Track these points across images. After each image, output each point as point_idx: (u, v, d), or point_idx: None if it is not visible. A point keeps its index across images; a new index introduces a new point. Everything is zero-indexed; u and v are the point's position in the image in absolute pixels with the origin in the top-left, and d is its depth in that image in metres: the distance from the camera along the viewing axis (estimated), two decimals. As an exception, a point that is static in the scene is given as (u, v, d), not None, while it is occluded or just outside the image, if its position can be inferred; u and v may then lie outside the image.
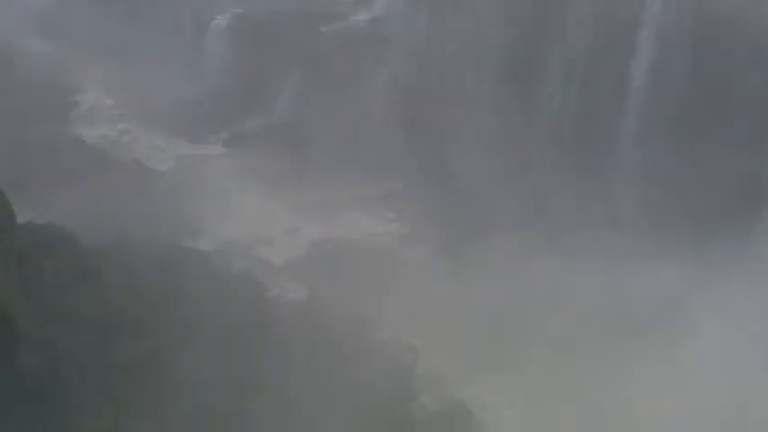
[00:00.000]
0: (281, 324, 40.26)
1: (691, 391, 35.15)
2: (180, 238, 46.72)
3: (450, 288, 43.17)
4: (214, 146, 58.83)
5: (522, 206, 47.40)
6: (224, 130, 59.82)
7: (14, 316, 32.36)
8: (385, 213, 52.70)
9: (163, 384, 35.07)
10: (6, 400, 30.22)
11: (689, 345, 37.74)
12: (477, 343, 40.20)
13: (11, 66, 60.78)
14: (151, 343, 36.81)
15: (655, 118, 47.52)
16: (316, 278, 45.38)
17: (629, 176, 47.98)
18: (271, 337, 38.96)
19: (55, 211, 41.05)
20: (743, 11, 45.38)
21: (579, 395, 36.48)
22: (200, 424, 33.90)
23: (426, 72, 55.13)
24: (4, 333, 31.53)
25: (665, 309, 40.58)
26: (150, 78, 61.66)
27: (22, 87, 59.18)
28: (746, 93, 44.75)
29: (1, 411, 29.84)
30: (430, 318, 41.60)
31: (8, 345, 31.53)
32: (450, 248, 47.42)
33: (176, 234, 46.68)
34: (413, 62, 55.59)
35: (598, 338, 38.80)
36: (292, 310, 42.14)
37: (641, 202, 47.03)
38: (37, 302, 34.72)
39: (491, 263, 44.07)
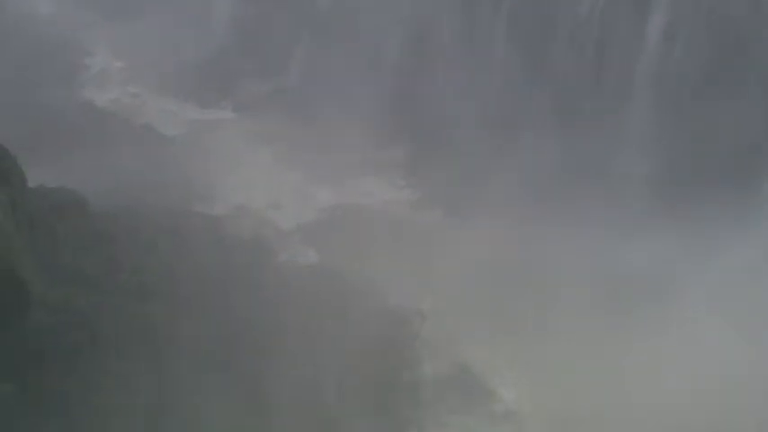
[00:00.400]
0: (290, 289, 40.40)
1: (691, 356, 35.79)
2: (190, 202, 46.87)
3: (459, 254, 43.20)
4: (224, 110, 58.72)
5: (530, 172, 47.26)
6: (234, 93, 59.64)
7: (26, 279, 32.61)
8: (396, 179, 52.61)
9: (174, 345, 35.31)
10: (18, 362, 30.50)
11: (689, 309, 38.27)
12: (486, 308, 40.33)
13: (20, 29, 60.66)
14: (162, 306, 37.03)
15: (669, 80, 47.15)
16: (326, 243, 45.51)
17: (640, 143, 47.77)
18: (280, 302, 39.11)
19: (66, 174, 41.17)
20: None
21: (584, 359, 36.85)
22: (212, 382, 34.16)
23: (435, 36, 54.74)
24: (15, 295, 31.79)
25: (663, 274, 40.74)
26: (160, 41, 61.47)
27: (31, 51, 59.17)
28: (765, 51, 44.19)
29: (12, 373, 30.12)
30: (439, 283, 41.72)
31: (20, 307, 31.81)
32: (460, 214, 47.37)
33: (187, 199, 46.82)
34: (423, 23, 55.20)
35: (604, 306, 39.06)
36: (302, 275, 42.28)
37: (651, 166, 46.91)
38: (48, 265, 34.95)
39: (501, 229, 44.05)
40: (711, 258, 39.57)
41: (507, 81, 51.27)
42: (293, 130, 53.71)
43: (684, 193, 43.76)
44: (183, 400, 33.04)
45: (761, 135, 44.11)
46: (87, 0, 64.20)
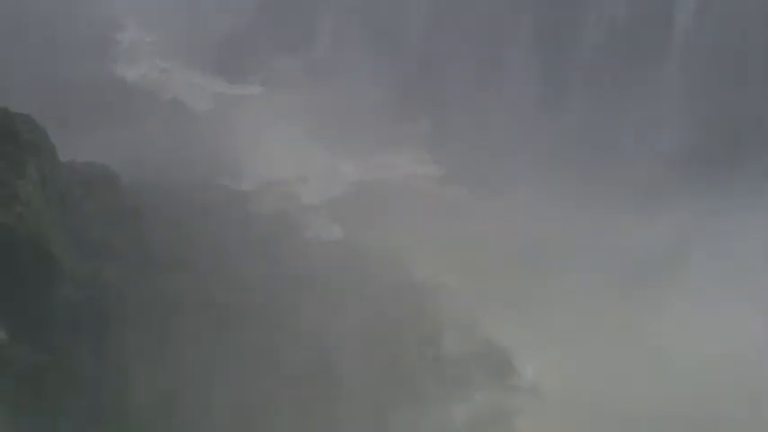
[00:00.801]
0: (316, 263, 40.76)
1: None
2: (217, 177, 47.22)
3: (483, 230, 43.31)
4: (252, 85, 58.91)
5: (555, 148, 47.21)
6: (262, 68, 59.73)
7: (56, 253, 33.24)
8: (421, 153, 52.59)
9: (203, 318, 35.85)
10: (49, 334, 31.19)
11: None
12: (509, 282, 40.52)
13: (50, 4, 61.04)
14: (190, 279, 37.57)
15: (697, 60, 46.83)
16: (351, 218, 45.71)
17: (666, 121, 47.57)
18: (306, 276, 39.51)
19: (95, 149, 41.65)
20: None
21: (602, 334, 37.25)
22: (235, 352, 34.70)
23: (460, 10, 54.47)
24: (46, 269, 32.44)
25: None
26: (189, 15, 61.63)
27: (61, 25, 59.52)
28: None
29: (44, 345, 30.82)
30: (463, 259, 41.89)
31: (51, 281, 32.46)
32: (485, 190, 47.39)
33: (214, 173, 47.17)
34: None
35: (622, 282, 39.39)
36: (327, 250, 42.59)
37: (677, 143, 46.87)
38: (78, 240, 35.55)
39: (526, 206, 44.11)
40: (727, 236, 39.82)
41: (532, 55, 51.04)
42: (320, 104, 53.80)
43: (704, 172, 43.87)
44: (207, 369, 33.65)
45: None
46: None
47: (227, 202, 44.56)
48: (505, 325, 38.71)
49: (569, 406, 34.93)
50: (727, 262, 39.09)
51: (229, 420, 32.50)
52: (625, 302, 38.46)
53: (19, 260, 31.55)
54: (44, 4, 61.12)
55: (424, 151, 52.42)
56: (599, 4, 50.41)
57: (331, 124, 52.54)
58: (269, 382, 34.22)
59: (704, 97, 46.55)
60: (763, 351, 35.59)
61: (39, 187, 35.27)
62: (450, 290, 41.54)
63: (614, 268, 39.96)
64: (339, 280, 39.33)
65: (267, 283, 38.61)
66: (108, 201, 39.38)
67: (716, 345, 35.72)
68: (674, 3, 48.13)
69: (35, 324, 30.91)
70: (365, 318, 38.00)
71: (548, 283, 40.26)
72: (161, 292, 36.37)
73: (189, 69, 59.96)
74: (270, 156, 49.66)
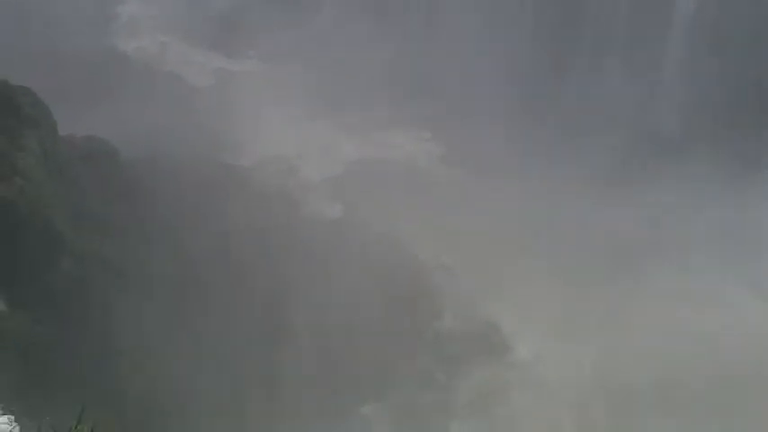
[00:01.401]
0: (315, 240, 40.78)
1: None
2: (217, 153, 47.10)
3: (483, 209, 43.33)
4: (252, 61, 58.61)
5: (557, 129, 47.25)
6: (261, 43, 59.37)
7: (57, 226, 33.23)
8: (423, 133, 52.49)
9: (202, 294, 35.93)
10: (49, 308, 31.23)
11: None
12: (508, 262, 40.68)
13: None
14: (189, 255, 37.60)
15: (699, 44, 46.90)
16: (351, 196, 45.68)
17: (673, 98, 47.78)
18: (305, 253, 39.54)
19: (95, 123, 41.51)
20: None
21: (595, 310, 37.80)
22: (236, 330, 34.81)
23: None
24: (46, 242, 32.45)
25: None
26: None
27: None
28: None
29: (46, 317, 30.88)
30: (462, 238, 41.95)
31: (51, 254, 32.48)
32: (485, 170, 47.37)
33: (213, 149, 47.05)
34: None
35: (615, 260, 39.80)
36: (327, 228, 42.62)
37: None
38: (79, 214, 35.50)
39: (525, 186, 44.14)
40: (722, 216, 40.31)
41: (534, 34, 50.91)
42: (320, 81, 53.58)
43: (702, 150, 44.17)
44: (205, 343, 33.78)
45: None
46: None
47: (226, 177, 44.49)
48: (503, 304, 38.91)
49: (563, 381, 35.37)
50: (715, 242, 39.75)
51: (228, 393, 32.64)
52: (619, 281, 38.96)
53: (19, 233, 31.54)
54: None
55: (426, 130, 52.31)
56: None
57: (331, 101, 52.38)
58: (266, 358, 34.36)
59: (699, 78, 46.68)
60: (747, 327, 36.13)
61: (39, 161, 35.19)
62: (449, 269, 41.63)
63: (609, 248, 40.35)
64: (338, 258, 39.37)
65: (265, 259, 38.64)
66: (107, 175, 39.31)
67: (701, 321, 36.36)
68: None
69: (35, 297, 30.96)
70: (364, 296, 38.07)
71: (545, 262, 40.45)
72: (160, 266, 36.39)
73: (189, 44, 59.67)
74: (269, 132, 49.55)
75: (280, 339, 35.29)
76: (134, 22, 62.18)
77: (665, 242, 41.43)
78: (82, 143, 39.77)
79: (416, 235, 42.36)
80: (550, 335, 37.43)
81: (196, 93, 54.22)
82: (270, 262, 38.36)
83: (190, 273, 36.79)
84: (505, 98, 48.84)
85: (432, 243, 42.52)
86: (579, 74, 49.56)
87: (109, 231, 36.27)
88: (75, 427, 5.46)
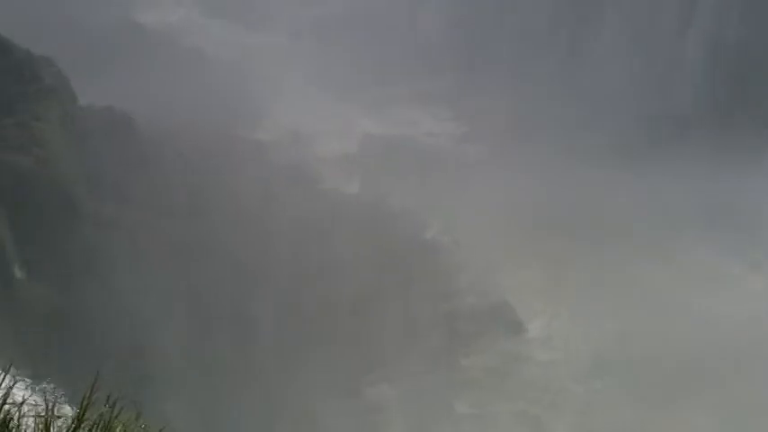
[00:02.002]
0: (332, 216, 40.78)
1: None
2: (236, 126, 47.09)
3: (500, 189, 43.19)
4: (272, 35, 58.37)
5: (580, 108, 47.00)
6: (283, 18, 59.11)
7: (76, 195, 33.40)
8: (443, 111, 52.23)
9: (215, 264, 36.04)
10: (68, 275, 31.45)
11: None
12: (524, 241, 40.66)
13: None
14: (205, 226, 37.69)
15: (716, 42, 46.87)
16: (369, 173, 45.63)
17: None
18: (322, 228, 39.57)
19: (115, 95, 41.54)
20: None
21: (608, 290, 37.81)
22: (250, 299, 34.96)
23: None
24: (65, 211, 32.64)
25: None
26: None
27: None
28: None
29: (61, 288, 31.11)
30: (478, 217, 41.85)
31: (69, 222, 32.67)
32: (505, 149, 47.16)
33: (233, 123, 47.03)
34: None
35: (640, 235, 39.89)
36: (344, 202, 42.60)
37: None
38: (97, 183, 35.66)
39: (545, 167, 43.99)
40: (724, 195, 40.46)
41: (560, 16, 50.56)
42: (342, 57, 53.39)
43: (708, 133, 44.11)
44: (220, 314, 33.98)
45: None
46: None
47: (244, 150, 44.48)
48: (518, 282, 38.87)
49: (573, 355, 35.56)
50: (727, 220, 39.88)
51: (243, 366, 32.84)
52: (633, 259, 39.05)
53: (38, 201, 31.73)
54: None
55: (446, 108, 52.06)
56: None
57: (352, 77, 52.20)
58: (279, 335, 34.49)
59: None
60: (755, 307, 36.32)
61: (58, 130, 35.34)
62: (465, 247, 41.57)
63: (628, 227, 40.49)
64: (355, 232, 39.36)
65: (282, 233, 38.68)
66: (127, 145, 39.37)
67: (713, 300, 36.65)
68: None
69: (54, 265, 31.17)
70: (377, 272, 38.09)
71: (561, 240, 40.40)
72: (175, 236, 36.51)
73: (209, 17, 59.54)
74: (288, 106, 49.46)
75: (291, 314, 35.36)
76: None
77: (681, 219, 41.43)
78: (101, 114, 39.84)
79: (433, 212, 42.29)
80: (564, 314, 37.44)
81: (216, 66, 54.09)
82: (284, 234, 38.40)
83: (206, 241, 36.90)
84: (527, 77, 48.58)
85: (448, 221, 42.43)
86: (597, 53, 49.16)
87: (126, 201, 36.40)
88: (90, 395, 5.45)
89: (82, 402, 5.43)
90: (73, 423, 5.34)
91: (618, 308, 36.97)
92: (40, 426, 5.32)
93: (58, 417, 5.41)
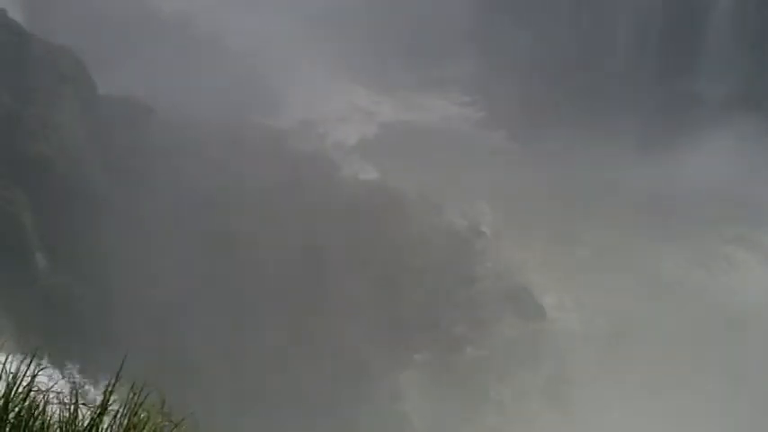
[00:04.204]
0: (351, 203, 40.78)
1: None
2: (254, 115, 47.11)
3: (521, 174, 43.07)
4: (288, 22, 58.18)
5: (600, 96, 46.72)
6: (297, 5, 58.91)
7: (96, 184, 33.54)
8: (462, 96, 52.01)
9: (233, 255, 36.12)
10: (90, 265, 31.62)
11: None
12: (543, 227, 40.58)
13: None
14: (224, 215, 37.78)
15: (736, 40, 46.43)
16: (388, 159, 45.56)
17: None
18: (341, 216, 39.56)
19: (133, 84, 41.63)
20: None
21: (629, 278, 37.66)
22: (270, 287, 35.05)
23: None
24: (86, 199, 32.77)
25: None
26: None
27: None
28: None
29: (82, 278, 31.28)
30: (498, 204, 41.76)
31: (90, 210, 32.80)
32: (524, 135, 46.95)
33: (251, 111, 47.06)
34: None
35: (652, 230, 39.76)
36: (364, 190, 42.57)
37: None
38: (116, 172, 35.78)
39: (565, 153, 43.77)
40: (748, 184, 40.32)
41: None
42: (359, 42, 53.23)
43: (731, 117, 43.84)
44: (244, 299, 34.09)
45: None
46: None
47: (262, 139, 44.51)
48: (539, 270, 38.79)
49: (590, 343, 35.63)
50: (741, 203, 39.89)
51: (271, 351, 32.95)
52: (653, 245, 39.05)
53: (59, 190, 31.87)
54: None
55: (465, 94, 51.85)
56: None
57: (370, 62, 52.07)
58: (305, 316, 34.58)
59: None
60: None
61: (76, 119, 35.45)
62: (484, 234, 41.48)
63: (649, 213, 40.37)
64: (374, 219, 39.36)
65: (300, 222, 38.71)
66: (145, 135, 39.52)
67: (722, 281, 37.24)
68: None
69: (76, 255, 31.34)
70: (399, 257, 38.09)
71: (582, 228, 40.28)
72: (194, 227, 36.61)
73: (226, 5, 59.41)
74: (306, 94, 49.42)
75: (309, 303, 35.42)
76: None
77: (698, 205, 41.38)
78: (119, 103, 39.97)
79: (452, 198, 42.18)
80: (586, 302, 37.38)
81: (233, 53, 54.06)
82: (302, 221, 38.44)
83: (225, 230, 36.99)
84: (550, 63, 48.30)
85: (468, 208, 42.32)
86: (622, 44, 48.89)
87: (145, 191, 36.51)
88: (114, 382, 5.45)
89: (106, 389, 5.43)
90: (98, 410, 5.34)
91: (639, 295, 36.99)
92: (65, 413, 5.32)
93: (83, 404, 5.41)
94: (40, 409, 5.28)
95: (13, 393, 5.19)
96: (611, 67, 48.34)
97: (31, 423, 5.17)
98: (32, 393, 5.29)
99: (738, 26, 46.99)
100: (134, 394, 5.44)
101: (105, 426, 5.32)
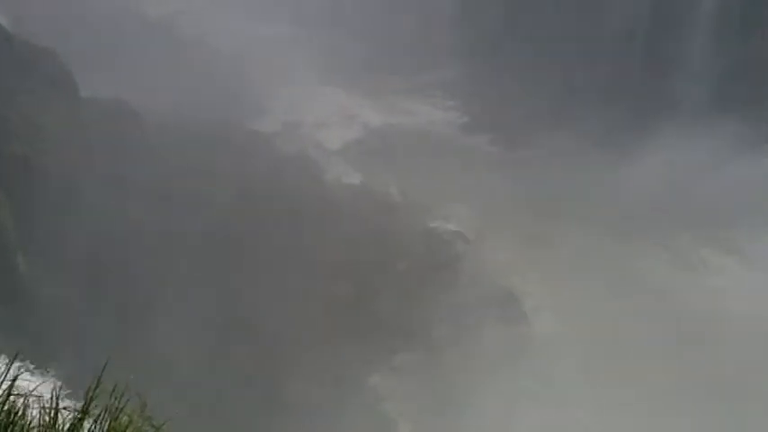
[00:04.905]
0: (335, 207, 40.81)
1: None
2: (240, 118, 47.05)
3: (503, 178, 43.20)
4: (274, 26, 58.19)
5: (580, 100, 46.94)
6: (286, 8, 58.89)
7: (79, 186, 33.41)
8: (446, 101, 52.12)
9: (221, 255, 36.11)
10: (71, 267, 31.51)
11: None
12: (526, 231, 40.72)
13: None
14: (209, 217, 37.72)
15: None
16: (372, 163, 45.60)
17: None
18: (324, 219, 39.60)
19: (119, 86, 41.50)
20: None
21: (611, 284, 37.93)
22: (260, 290, 35.05)
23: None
24: (69, 202, 32.66)
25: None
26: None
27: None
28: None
29: (66, 278, 31.16)
30: (482, 208, 41.86)
31: (73, 213, 32.69)
32: (508, 139, 47.11)
33: (237, 114, 46.98)
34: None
35: (632, 237, 40.01)
36: (347, 194, 42.61)
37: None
38: (104, 175, 35.65)
39: (548, 157, 43.95)
40: (723, 187, 40.70)
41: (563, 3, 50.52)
42: (345, 47, 53.27)
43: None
44: (226, 303, 34.06)
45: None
46: None
47: (247, 142, 44.47)
48: (523, 275, 38.91)
49: (571, 346, 35.76)
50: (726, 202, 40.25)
51: (258, 352, 32.94)
52: (633, 249, 39.29)
53: (41, 192, 31.75)
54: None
55: (448, 99, 51.96)
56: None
57: (355, 66, 52.12)
58: (289, 318, 34.58)
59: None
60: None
61: (61, 122, 35.33)
62: (467, 238, 41.59)
63: (634, 218, 40.56)
64: (357, 222, 39.40)
65: (285, 224, 38.72)
66: (132, 137, 39.38)
67: (709, 282, 37.33)
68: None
69: (57, 256, 31.22)
70: (379, 263, 38.12)
71: (563, 231, 40.44)
72: (180, 226, 36.55)
73: (213, 8, 59.31)
74: (292, 98, 49.41)
75: (293, 306, 35.41)
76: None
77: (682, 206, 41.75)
78: (104, 106, 39.83)
79: (436, 202, 42.27)
80: (567, 305, 37.49)
81: (217, 56, 53.95)
82: (288, 224, 38.45)
83: (211, 232, 36.95)
84: (533, 68, 48.47)
85: (451, 212, 42.42)
86: (608, 45, 49.12)
87: (130, 193, 36.41)
88: (95, 387, 5.47)
89: (87, 393, 5.44)
90: (78, 414, 5.36)
91: (618, 297, 37.16)
92: (46, 417, 5.33)
93: (64, 408, 5.42)
94: (20, 413, 5.26)
95: (-9, 397, 5.18)
96: (592, 74, 48.57)
97: (9, 428, 5.15)
98: (12, 397, 5.26)
99: (720, 32, 47.36)
100: (115, 399, 5.44)
101: (86, 430, 5.33)
